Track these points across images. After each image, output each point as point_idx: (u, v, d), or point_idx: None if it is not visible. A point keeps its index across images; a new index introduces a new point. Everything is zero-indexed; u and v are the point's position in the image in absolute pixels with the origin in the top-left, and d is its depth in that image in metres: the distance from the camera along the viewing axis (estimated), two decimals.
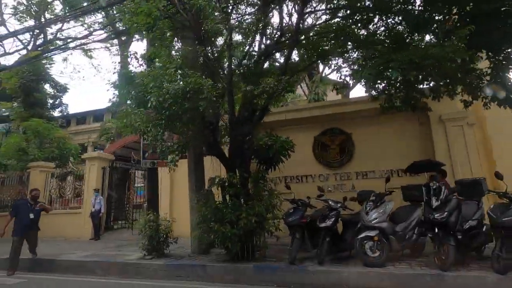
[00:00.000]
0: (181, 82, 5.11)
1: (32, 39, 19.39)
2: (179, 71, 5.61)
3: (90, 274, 6.00)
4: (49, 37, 19.86)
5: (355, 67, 6.01)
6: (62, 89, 17.66)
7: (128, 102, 6.54)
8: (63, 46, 18.12)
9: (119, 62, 13.54)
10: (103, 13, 14.77)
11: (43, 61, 16.47)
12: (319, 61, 7.93)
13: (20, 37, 21.04)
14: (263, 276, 4.87)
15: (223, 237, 4.86)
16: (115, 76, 10.60)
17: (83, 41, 18.24)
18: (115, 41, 18.46)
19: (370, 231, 4.56)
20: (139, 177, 13.33)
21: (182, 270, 5.46)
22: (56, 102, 18.13)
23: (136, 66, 6.94)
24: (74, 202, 12.06)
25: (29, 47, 19.17)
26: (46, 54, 16.20)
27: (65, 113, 19.10)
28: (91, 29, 18.79)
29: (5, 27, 23.79)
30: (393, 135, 7.83)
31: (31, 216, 6.32)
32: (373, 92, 5.88)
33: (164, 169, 9.61)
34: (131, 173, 12.06)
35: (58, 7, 19.63)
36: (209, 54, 6.15)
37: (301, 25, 6.37)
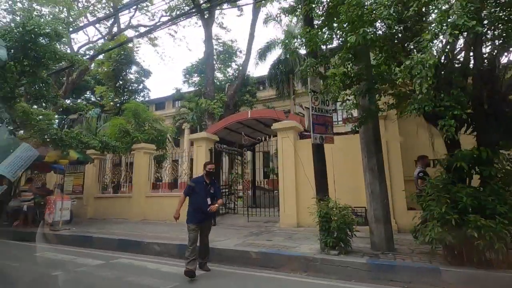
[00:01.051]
0: None
1: (107, 29, 19.71)
2: None
3: (253, 266, 5.14)
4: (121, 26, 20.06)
5: None
6: (145, 73, 17.57)
7: None
8: (142, 32, 18.00)
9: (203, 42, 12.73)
10: None
11: (130, 45, 16.41)
12: None
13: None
14: None
15: (490, 235, 3.46)
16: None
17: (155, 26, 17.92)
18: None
19: None
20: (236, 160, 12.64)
21: (397, 273, 4.24)
22: (139, 87, 18.18)
23: None
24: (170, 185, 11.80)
25: (106, 37, 19.51)
26: (131, 38, 16.12)
27: (146, 98, 19.22)
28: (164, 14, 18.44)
29: (86, 18, 24.79)
30: None
31: (208, 201, 5.01)
32: None
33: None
34: (234, 156, 11.32)
35: None
36: None
37: None
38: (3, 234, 9.44)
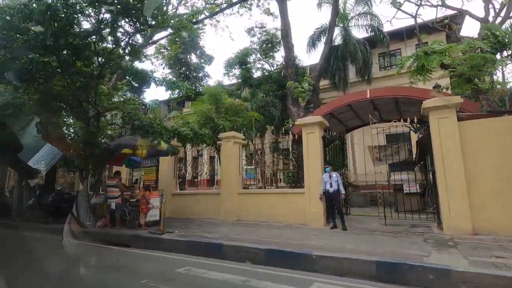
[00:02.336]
0: None
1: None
2: None
3: None
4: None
5: None
6: (208, 59, 16.04)
7: None
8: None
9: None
10: None
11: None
12: None
13: None
14: None
15: None
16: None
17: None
18: None
19: None
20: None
21: None
22: (200, 75, 16.70)
23: None
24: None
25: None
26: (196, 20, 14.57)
27: (205, 86, 17.72)
28: None
29: None
30: None
31: None
32: None
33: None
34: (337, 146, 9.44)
35: None
36: None
37: None
38: (87, 236, 8.13)
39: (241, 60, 24.84)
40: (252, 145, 10.64)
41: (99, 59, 7.70)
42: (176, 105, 17.82)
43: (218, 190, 10.38)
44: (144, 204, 8.15)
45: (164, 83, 10.27)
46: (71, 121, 9.86)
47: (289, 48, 12.98)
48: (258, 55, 27.23)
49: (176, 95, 14.60)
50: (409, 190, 9.40)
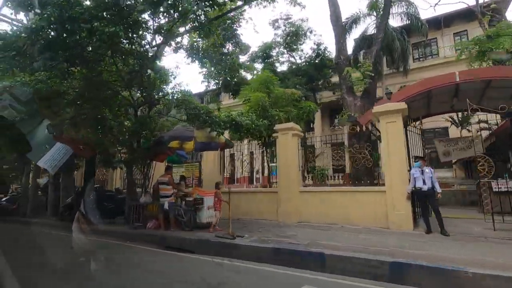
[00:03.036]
0: None
1: None
2: None
3: None
4: None
5: None
6: (244, 48, 15.01)
7: None
8: None
9: None
10: None
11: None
12: None
13: None
14: None
15: None
16: None
17: None
18: None
19: None
20: None
21: None
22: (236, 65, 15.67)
23: None
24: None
25: None
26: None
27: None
28: None
29: None
30: None
31: None
32: None
33: None
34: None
35: None
36: None
37: None
38: (136, 238, 7.25)
39: (264, 54, 23.75)
40: (306, 138, 9.57)
41: (157, 37, 6.76)
42: (215, 96, 16.95)
43: (273, 188, 9.38)
44: (217, 203, 7.23)
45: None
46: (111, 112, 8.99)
47: (339, 32, 11.82)
48: (281, 49, 26.06)
49: (214, 87, 13.67)
50: (499, 188, 8.15)
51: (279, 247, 5.24)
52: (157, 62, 7.61)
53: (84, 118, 7.25)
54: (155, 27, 6.57)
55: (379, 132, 7.67)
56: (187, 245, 6.35)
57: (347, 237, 6.24)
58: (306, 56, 25.15)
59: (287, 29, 24.79)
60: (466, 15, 22.08)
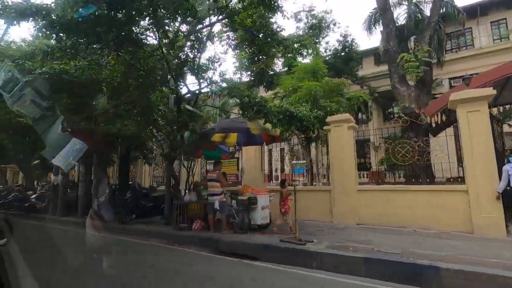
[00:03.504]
0: None
1: None
2: None
3: None
4: None
5: None
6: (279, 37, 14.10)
7: None
8: None
9: None
10: None
11: None
12: None
13: None
14: None
15: None
16: None
17: None
18: None
19: None
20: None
21: None
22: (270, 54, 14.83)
23: None
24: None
25: None
26: None
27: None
28: None
29: None
30: None
31: None
32: None
33: None
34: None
35: None
36: None
37: None
38: (183, 241, 6.56)
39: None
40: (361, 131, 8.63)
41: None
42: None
43: (325, 186, 8.55)
44: (285, 203, 6.50)
45: None
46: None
47: (389, 18, 10.84)
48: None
49: (246, 79, 12.89)
50: None
51: (369, 256, 4.41)
52: (210, 43, 6.89)
53: (127, 108, 6.59)
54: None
55: (457, 122, 6.71)
56: (247, 250, 5.59)
57: (434, 244, 5.36)
58: (332, 48, 24.11)
59: (309, 21, 23.82)
60: (505, 2, 20.62)
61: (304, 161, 11.90)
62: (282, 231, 6.44)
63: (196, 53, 6.19)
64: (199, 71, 6.62)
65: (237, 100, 6.59)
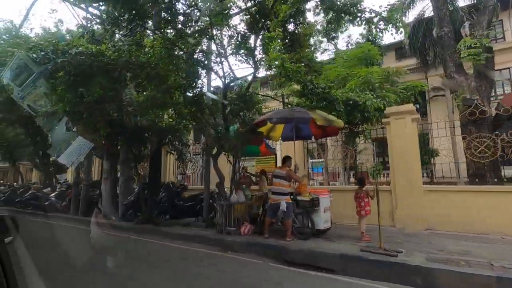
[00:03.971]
0: None
1: None
2: None
3: None
4: None
5: None
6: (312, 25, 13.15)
7: None
8: None
9: None
10: None
11: None
12: None
13: None
14: None
15: None
16: None
17: None
18: None
19: None
20: None
21: None
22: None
23: None
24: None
25: None
26: None
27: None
28: None
29: None
30: None
31: None
32: None
33: None
34: None
35: None
36: None
37: None
38: (235, 248, 5.72)
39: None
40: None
41: None
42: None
43: (384, 186, 7.64)
44: (366, 204, 5.64)
45: None
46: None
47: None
48: (320, 37, 24.11)
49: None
50: None
51: (501, 275, 3.51)
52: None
53: (171, 95, 5.77)
54: None
55: None
56: (321, 260, 4.74)
57: None
58: (355, 42, 23.17)
59: (328, 15, 22.81)
60: None
61: (322, 160, 11.02)
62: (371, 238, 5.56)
63: (251, 32, 5.35)
64: (254, 54, 5.78)
65: (295, 87, 5.71)
